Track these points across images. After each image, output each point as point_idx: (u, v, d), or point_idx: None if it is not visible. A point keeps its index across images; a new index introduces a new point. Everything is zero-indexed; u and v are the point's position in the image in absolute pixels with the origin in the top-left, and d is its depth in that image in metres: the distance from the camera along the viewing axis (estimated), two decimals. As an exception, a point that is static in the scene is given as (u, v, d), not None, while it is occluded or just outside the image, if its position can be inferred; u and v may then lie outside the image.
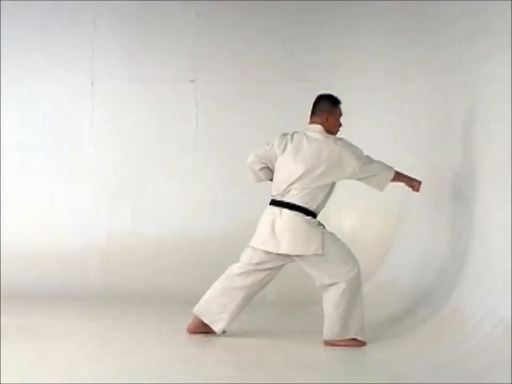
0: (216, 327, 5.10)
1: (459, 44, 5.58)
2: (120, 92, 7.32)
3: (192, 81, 7.30)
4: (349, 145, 5.03)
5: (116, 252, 7.03)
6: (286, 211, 4.96)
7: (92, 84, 7.29)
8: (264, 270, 5.05)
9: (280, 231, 4.94)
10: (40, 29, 7.26)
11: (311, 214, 4.97)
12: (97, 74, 7.29)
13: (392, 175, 5.10)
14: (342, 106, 5.18)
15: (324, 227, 5.03)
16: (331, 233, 5.05)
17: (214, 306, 5.09)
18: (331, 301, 4.92)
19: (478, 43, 5.27)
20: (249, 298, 5.13)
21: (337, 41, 7.16)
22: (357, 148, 5.03)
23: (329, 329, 4.93)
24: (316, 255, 4.90)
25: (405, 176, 5.19)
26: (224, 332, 5.12)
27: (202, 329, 5.14)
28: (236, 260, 5.15)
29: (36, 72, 7.26)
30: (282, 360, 4.55)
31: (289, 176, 4.99)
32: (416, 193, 5.25)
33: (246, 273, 5.05)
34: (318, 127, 5.08)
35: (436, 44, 5.97)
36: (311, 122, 5.14)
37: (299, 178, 4.96)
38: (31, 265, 6.87)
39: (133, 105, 7.32)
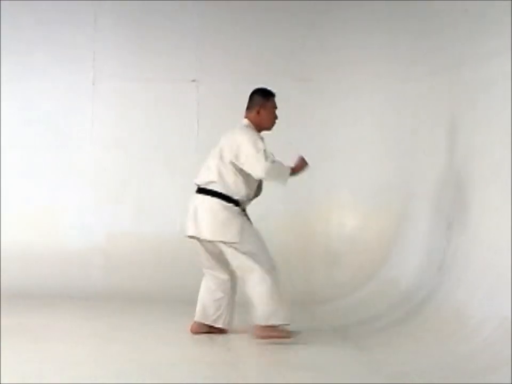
0: (219, 324, 5.16)
1: (461, 44, 5.58)
2: (122, 92, 7.33)
3: (194, 81, 7.30)
4: (251, 136, 5.03)
5: (117, 251, 7.04)
6: (208, 198, 5.05)
7: (93, 83, 7.29)
8: (217, 255, 5.08)
9: (201, 218, 5.04)
10: (41, 29, 7.27)
11: (232, 201, 5.03)
12: (98, 74, 7.29)
13: (288, 172, 5.05)
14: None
15: (247, 216, 5.09)
16: (251, 223, 5.11)
17: (209, 306, 5.15)
18: (254, 287, 4.94)
19: (480, 43, 5.28)
20: (234, 287, 5.19)
21: (339, 41, 7.15)
22: (259, 142, 5.00)
23: (261, 314, 4.93)
24: (234, 242, 4.96)
25: (295, 166, 5.10)
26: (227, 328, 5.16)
27: (206, 329, 5.18)
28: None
29: (37, 72, 7.27)
30: (282, 360, 4.55)
31: (209, 165, 5.09)
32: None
33: (212, 266, 5.14)
34: (245, 121, 5.16)
35: (437, 44, 5.97)
36: (245, 116, 5.19)
37: (216, 166, 5.04)
38: (32, 265, 6.88)
39: (134, 105, 7.33)
